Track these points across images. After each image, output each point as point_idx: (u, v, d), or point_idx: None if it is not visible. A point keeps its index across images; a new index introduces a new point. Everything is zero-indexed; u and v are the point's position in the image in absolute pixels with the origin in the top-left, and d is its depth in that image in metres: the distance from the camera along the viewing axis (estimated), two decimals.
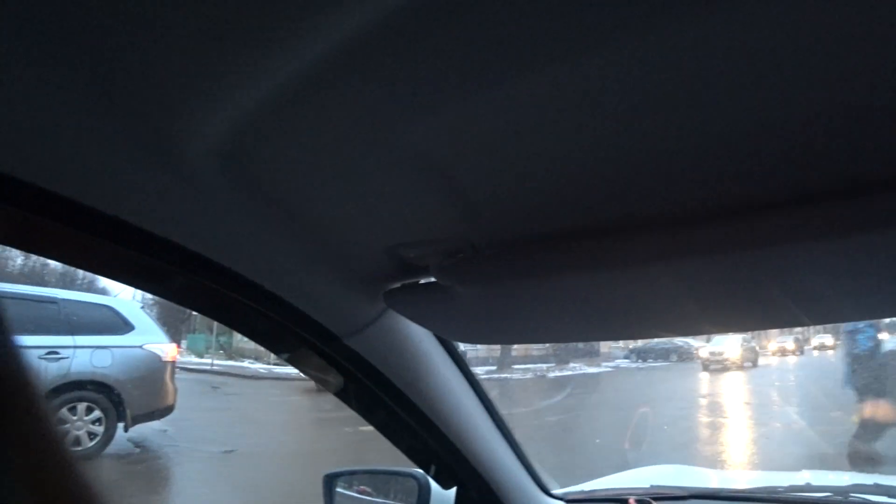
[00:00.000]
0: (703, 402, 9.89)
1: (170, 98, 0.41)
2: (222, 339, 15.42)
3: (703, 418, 8.28)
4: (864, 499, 1.12)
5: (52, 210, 0.49)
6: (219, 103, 0.41)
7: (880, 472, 1.29)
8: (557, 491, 1.32)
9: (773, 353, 16.08)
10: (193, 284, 0.64)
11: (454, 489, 1.14)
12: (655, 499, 1.22)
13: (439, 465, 1.10)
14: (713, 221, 0.49)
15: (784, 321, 0.79)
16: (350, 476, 1.34)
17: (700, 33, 0.34)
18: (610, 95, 0.40)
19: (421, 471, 1.15)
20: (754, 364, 13.61)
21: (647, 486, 1.40)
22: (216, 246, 0.62)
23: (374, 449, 1.43)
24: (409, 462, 1.13)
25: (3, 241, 0.62)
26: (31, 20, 0.34)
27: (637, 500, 1.21)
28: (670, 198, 0.50)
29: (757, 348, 14.64)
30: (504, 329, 0.86)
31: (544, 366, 15.84)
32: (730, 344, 13.16)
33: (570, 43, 0.35)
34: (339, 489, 1.29)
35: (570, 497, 1.31)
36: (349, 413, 0.95)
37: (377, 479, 1.35)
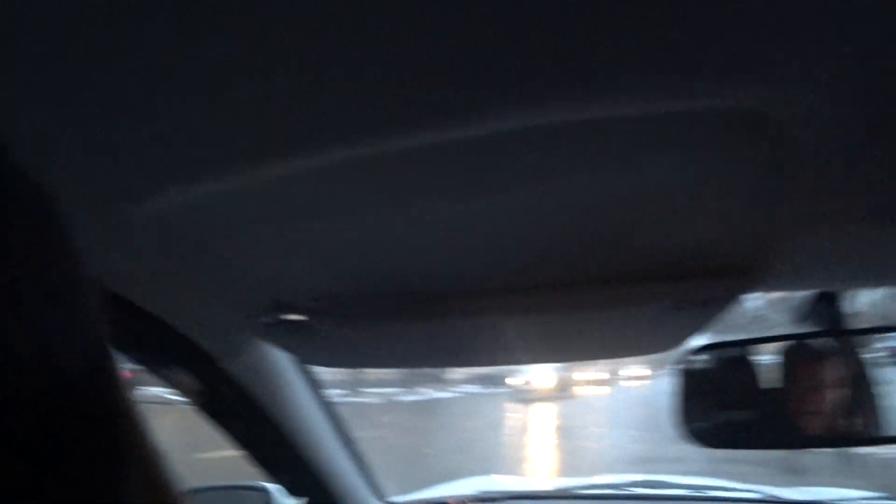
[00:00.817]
0: (528, 422, 10.84)
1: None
2: None
3: (528, 437, 9.10)
4: (637, 492, 1.43)
5: None
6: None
7: (652, 472, 1.61)
8: (393, 498, 1.45)
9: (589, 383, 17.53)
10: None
11: (303, 500, 1.22)
12: (479, 500, 1.39)
13: (290, 478, 1.17)
14: (508, 295, 0.69)
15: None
16: (193, 494, 1.33)
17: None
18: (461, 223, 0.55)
19: (268, 484, 1.21)
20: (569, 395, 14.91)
21: (474, 492, 1.58)
22: (113, 275, 0.66)
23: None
24: (251, 477, 1.19)
25: None
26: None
27: (459, 503, 1.37)
28: (486, 279, 0.68)
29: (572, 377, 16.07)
30: (361, 358, 0.98)
31: (393, 390, 15.94)
32: (542, 374, 14.35)
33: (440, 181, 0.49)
34: None
35: (405, 503, 1.44)
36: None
37: (219, 497, 1.36)
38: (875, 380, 0.77)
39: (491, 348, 0.87)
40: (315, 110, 0.40)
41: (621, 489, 1.47)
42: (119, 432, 0.22)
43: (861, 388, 0.78)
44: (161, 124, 0.42)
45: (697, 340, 0.79)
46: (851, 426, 0.77)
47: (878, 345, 0.77)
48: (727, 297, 0.65)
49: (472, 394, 15.23)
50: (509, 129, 0.41)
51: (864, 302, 0.81)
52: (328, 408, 1.24)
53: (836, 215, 0.51)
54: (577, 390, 15.76)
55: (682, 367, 0.75)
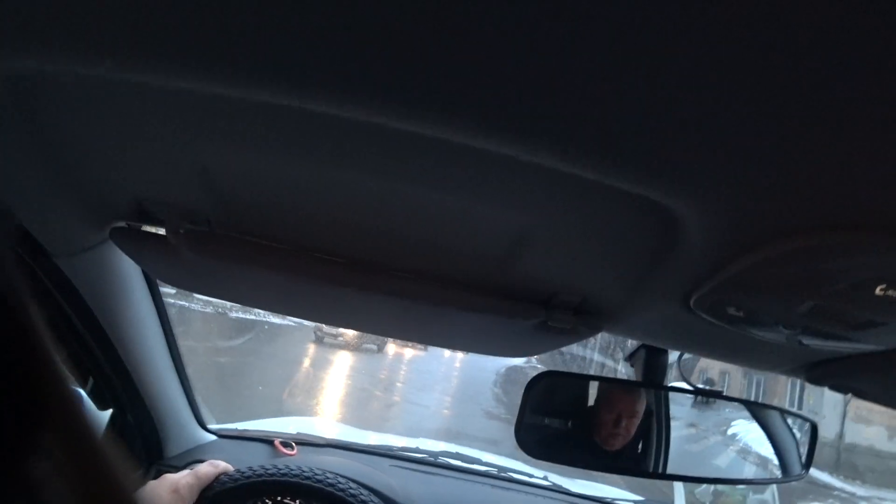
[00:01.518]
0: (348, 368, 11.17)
1: None
2: None
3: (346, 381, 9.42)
4: (446, 461, 1.55)
5: None
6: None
7: (463, 445, 1.75)
8: (213, 426, 1.41)
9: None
10: None
11: (109, 411, 1.14)
12: (299, 443, 1.41)
13: (101, 385, 1.09)
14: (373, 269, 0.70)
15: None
16: None
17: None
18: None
19: (76, 388, 1.12)
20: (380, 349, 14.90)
21: (294, 432, 1.60)
22: None
23: None
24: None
25: None
26: None
27: (282, 443, 1.38)
28: (357, 249, 0.69)
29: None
30: (219, 289, 0.93)
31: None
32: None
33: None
34: None
35: (224, 433, 1.42)
36: None
37: None
38: (670, 426, 0.91)
39: (349, 312, 0.88)
40: (213, 27, 0.35)
41: (437, 457, 1.57)
42: (37, 379, 0.21)
43: (658, 430, 0.92)
44: None
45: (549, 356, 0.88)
46: (642, 458, 0.91)
47: (681, 397, 0.92)
48: (583, 331, 0.74)
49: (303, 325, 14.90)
50: (443, 139, 0.41)
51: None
52: (164, 325, 1.17)
53: (675, 297, 0.59)
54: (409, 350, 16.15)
55: (527, 387, 0.84)
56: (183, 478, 0.89)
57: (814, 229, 0.40)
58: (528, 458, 0.89)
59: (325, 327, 13.27)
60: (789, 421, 0.99)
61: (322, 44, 0.34)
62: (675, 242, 0.47)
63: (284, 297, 0.88)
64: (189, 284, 0.92)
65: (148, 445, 1.23)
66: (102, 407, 1.12)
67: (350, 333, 13.53)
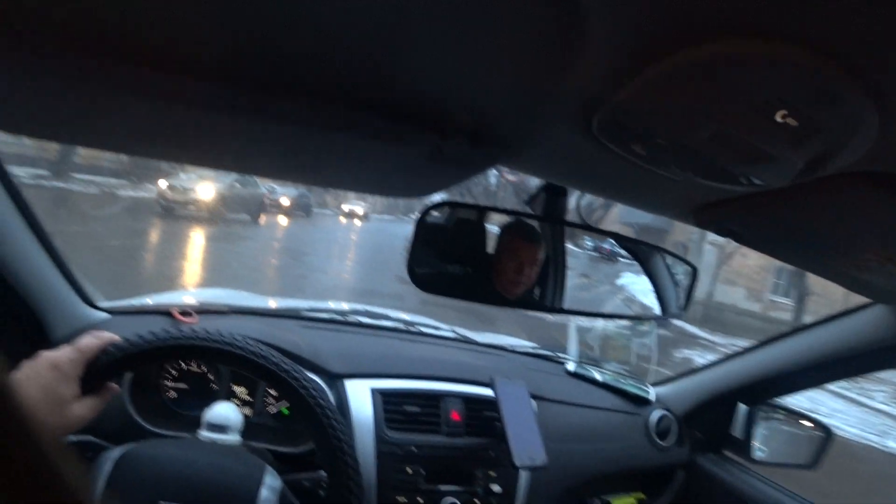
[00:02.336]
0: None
1: None
2: None
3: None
4: (354, 319, 1.58)
5: None
6: None
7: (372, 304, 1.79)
8: (104, 304, 1.32)
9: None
10: None
11: None
12: (199, 312, 1.36)
13: None
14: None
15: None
16: None
17: None
18: None
19: None
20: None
21: (195, 303, 1.54)
22: None
23: None
24: None
25: None
26: None
27: (181, 312, 1.33)
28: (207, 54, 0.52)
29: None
30: (55, 126, 0.75)
31: (115, 181, 14.00)
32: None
33: None
34: None
35: (116, 309, 1.34)
36: None
37: None
38: (567, 265, 0.95)
39: (224, 148, 0.74)
40: None
41: (345, 316, 1.60)
42: None
43: (555, 269, 0.96)
44: None
45: (440, 195, 0.86)
46: (539, 295, 0.95)
47: (576, 250, 0.95)
48: (480, 162, 0.69)
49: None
50: None
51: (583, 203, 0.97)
52: (18, 203, 1.03)
53: (576, 119, 0.57)
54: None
55: (419, 216, 0.81)
56: (63, 353, 0.80)
57: (720, 36, 0.38)
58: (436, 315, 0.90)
59: (169, 193, 12.15)
60: (671, 263, 1.07)
61: None
62: (576, 45, 0.44)
63: (110, 125, 0.69)
64: (20, 125, 0.73)
65: (27, 329, 1.14)
66: None
67: (204, 198, 12.40)
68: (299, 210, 15.62)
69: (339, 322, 1.56)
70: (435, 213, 0.84)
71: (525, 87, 0.55)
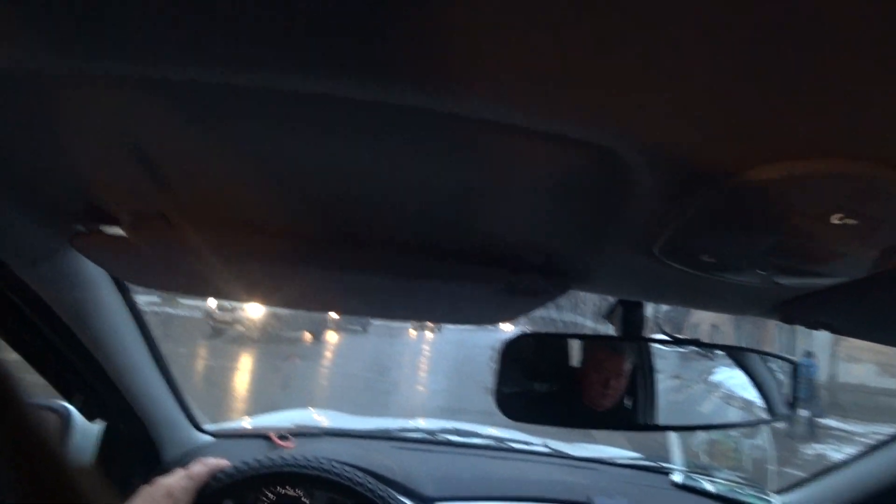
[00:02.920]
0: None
1: None
2: None
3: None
4: (444, 438, 1.57)
5: None
6: None
7: (458, 420, 1.77)
8: (208, 426, 1.41)
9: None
10: None
11: (100, 423, 1.14)
12: (295, 435, 1.42)
13: (88, 398, 1.08)
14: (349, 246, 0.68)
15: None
16: None
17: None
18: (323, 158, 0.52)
19: (62, 402, 1.11)
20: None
21: (291, 425, 1.60)
22: None
23: None
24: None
25: None
26: None
27: (278, 436, 1.38)
28: (327, 227, 0.67)
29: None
30: (185, 284, 0.92)
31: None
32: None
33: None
34: None
35: (220, 433, 1.42)
36: None
37: None
38: (655, 379, 0.92)
39: (321, 294, 0.86)
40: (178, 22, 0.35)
41: (435, 435, 1.59)
42: None
43: (643, 378, 0.93)
44: None
45: (520, 323, 0.88)
46: (631, 408, 0.92)
47: (663, 350, 0.93)
48: (552, 291, 0.73)
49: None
50: (372, 100, 0.40)
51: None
52: (141, 327, 1.16)
53: (639, 245, 0.59)
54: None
55: (502, 348, 0.84)
56: (177, 481, 0.89)
57: (762, 163, 0.40)
58: (528, 427, 0.89)
59: (218, 313, 11.83)
60: (771, 364, 1.01)
61: (250, 16, 0.33)
62: (627, 188, 0.47)
63: (244, 284, 0.85)
64: (154, 282, 0.90)
65: (143, 453, 1.23)
66: (92, 419, 1.12)
67: (253, 317, 11.93)
68: (355, 325, 15.21)
69: (430, 441, 1.56)
70: (513, 343, 0.86)
71: (587, 225, 0.59)
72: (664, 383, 0.93)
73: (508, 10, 0.31)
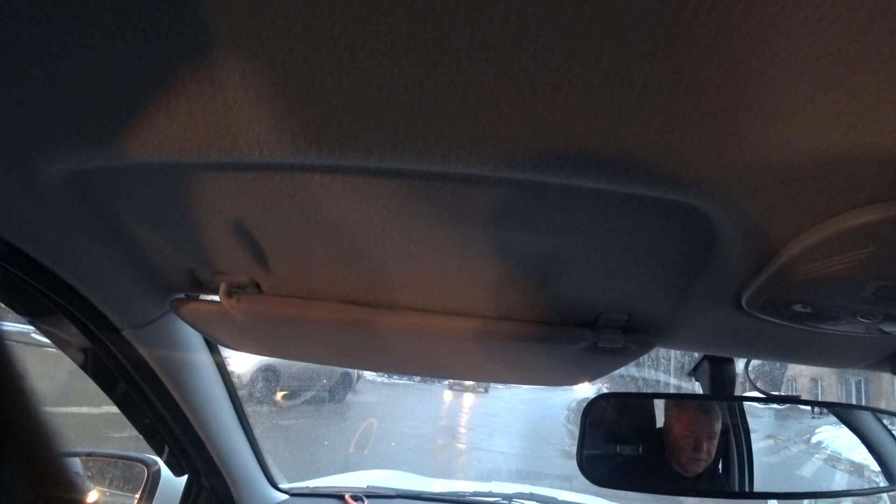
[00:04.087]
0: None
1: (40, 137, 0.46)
2: None
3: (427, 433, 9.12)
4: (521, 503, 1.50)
5: None
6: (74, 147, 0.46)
7: (540, 485, 1.69)
8: (284, 485, 1.43)
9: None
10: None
11: (185, 477, 1.17)
12: (368, 496, 1.40)
13: (176, 453, 1.12)
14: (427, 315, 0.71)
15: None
16: (68, 457, 1.25)
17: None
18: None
19: (152, 456, 1.16)
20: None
21: (365, 486, 1.59)
22: (24, 235, 0.63)
23: None
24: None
25: None
26: None
27: (352, 497, 1.38)
28: (414, 297, 0.70)
29: None
30: (275, 347, 0.97)
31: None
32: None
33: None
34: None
35: (295, 491, 1.43)
36: None
37: (101, 463, 1.29)
38: (749, 440, 0.85)
39: (405, 359, 0.88)
40: (251, 115, 0.39)
41: (511, 500, 1.52)
42: None
43: (736, 439, 0.86)
44: (85, 92, 0.40)
45: (602, 382, 0.85)
46: (724, 471, 0.85)
47: (757, 408, 0.86)
48: (635, 350, 0.72)
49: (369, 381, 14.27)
50: (468, 175, 0.42)
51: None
52: (229, 389, 1.21)
53: (726, 299, 0.57)
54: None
55: (585, 408, 0.81)
56: None
57: (856, 207, 0.38)
58: (610, 493, 0.84)
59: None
60: (886, 421, 0.91)
61: (355, 104, 0.37)
62: (712, 244, 0.47)
63: (333, 349, 0.89)
64: (246, 346, 0.95)
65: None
66: (178, 473, 1.16)
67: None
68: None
69: None
70: (596, 404, 0.83)
71: (672, 281, 0.58)
72: (759, 444, 0.86)
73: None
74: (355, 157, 0.41)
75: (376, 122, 0.38)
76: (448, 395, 13.16)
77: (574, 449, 0.81)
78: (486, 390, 13.72)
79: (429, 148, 0.39)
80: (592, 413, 0.80)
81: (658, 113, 0.34)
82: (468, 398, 13.34)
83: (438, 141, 0.39)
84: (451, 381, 13.38)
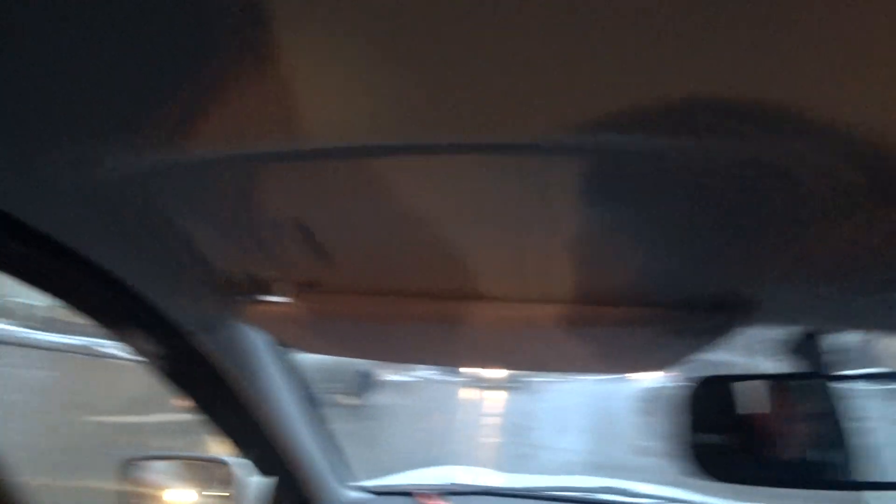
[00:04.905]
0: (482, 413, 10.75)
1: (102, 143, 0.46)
2: None
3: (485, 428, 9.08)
4: (605, 499, 1.45)
5: None
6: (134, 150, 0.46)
7: (621, 478, 1.63)
8: (361, 483, 1.43)
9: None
10: (70, 280, 0.69)
11: (268, 477, 1.19)
12: (451, 493, 1.39)
13: (257, 455, 1.15)
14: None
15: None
16: (150, 461, 1.30)
17: None
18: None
19: (235, 458, 1.18)
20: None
21: (440, 482, 1.58)
22: (89, 240, 0.64)
23: None
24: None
25: None
26: None
27: (428, 494, 1.36)
28: (483, 285, 0.67)
29: None
30: (345, 347, 0.96)
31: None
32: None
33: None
34: (138, 475, 1.25)
35: (372, 489, 1.43)
36: None
37: (182, 466, 1.33)
38: (858, 425, 0.77)
39: (480, 353, 0.86)
40: (315, 97, 0.38)
41: (589, 493, 1.48)
42: None
43: (834, 423, 0.78)
44: (140, 88, 0.40)
45: (691, 366, 0.79)
46: (841, 471, 0.76)
47: (869, 388, 0.77)
48: (723, 329, 0.66)
49: (428, 378, 14.37)
50: (526, 145, 0.40)
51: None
52: (302, 388, 1.22)
53: (825, 269, 0.53)
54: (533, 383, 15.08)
55: (676, 395, 0.75)
56: None
57: None
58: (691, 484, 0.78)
59: None
60: None
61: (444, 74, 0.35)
62: (808, 208, 0.43)
63: (408, 347, 0.88)
64: (315, 347, 0.95)
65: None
66: (261, 473, 1.18)
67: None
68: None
69: (585, 501, 1.44)
70: (689, 389, 0.77)
71: (764, 252, 0.53)
72: (879, 430, 0.78)
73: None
74: (438, 135, 0.39)
75: (477, 92, 0.35)
76: (479, 392, 12.91)
77: (648, 444, 0.75)
78: (521, 385, 13.34)
79: (536, 114, 0.36)
80: (683, 400, 0.74)
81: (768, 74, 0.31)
82: (504, 395, 12.98)
83: (550, 105, 0.36)
84: (478, 376, 13.29)
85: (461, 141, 0.40)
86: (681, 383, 0.76)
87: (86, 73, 0.39)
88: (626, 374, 0.96)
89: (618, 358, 0.80)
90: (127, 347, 0.88)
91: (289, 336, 0.92)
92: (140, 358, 0.90)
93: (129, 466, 1.22)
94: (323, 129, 0.40)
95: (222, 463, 1.21)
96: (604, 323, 0.66)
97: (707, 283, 0.61)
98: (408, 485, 1.53)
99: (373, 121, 0.39)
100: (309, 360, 1.11)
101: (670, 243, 0.54)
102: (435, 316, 0.70)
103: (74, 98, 0.41)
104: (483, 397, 12.67)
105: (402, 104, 0.37)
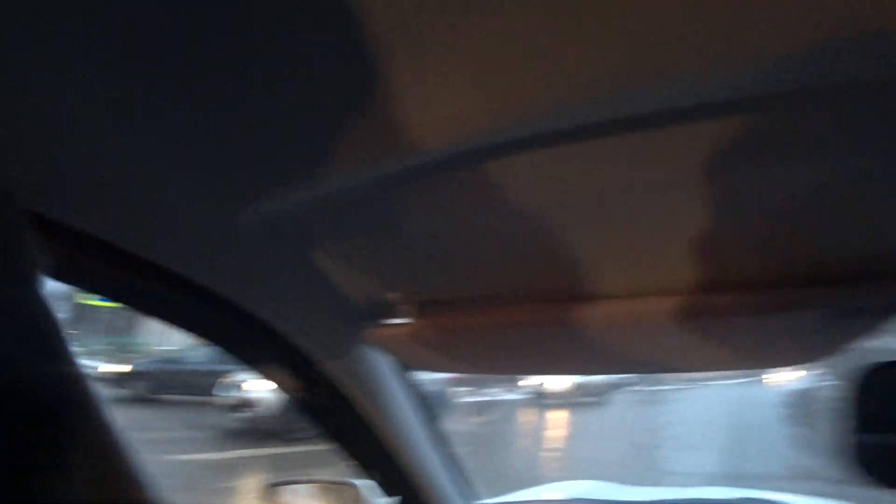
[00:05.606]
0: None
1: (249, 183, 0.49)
2: None
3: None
4: None
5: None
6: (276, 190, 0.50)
7: (764, 489, 1.50)
8: (485, 500, 1.42)
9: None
10: (204, 315, 0.74)
11: (396, 498, 1.22)
12: None
13: (383, 476, 1.18)
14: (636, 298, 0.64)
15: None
16: (290, 486, 1.37)
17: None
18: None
19: (363, 480, 1.22)
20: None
21: (565, 497, 1.53)
22: (223, 278, 0.69)
23: None
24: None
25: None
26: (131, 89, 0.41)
27: None
28: (608, 284, 0.64)
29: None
30: (468, 364, 0.97)
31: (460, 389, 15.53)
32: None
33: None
34: (279, 498, 1.32)
35: None
36: None
37: (316, 490, 1.39)
38: None
39: (608, 356, 0.82)
40: (424, 115, 0.39)
41: None
42: (68, 424, 0.23)
43: None
44: (270, 128, 0.42)
45: (846, 357, 0.70)
46: None
47: None
48: (888, 305, 0.57)
49: (503, 399, 13.19)
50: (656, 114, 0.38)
51: None
52: (425, 409, 1.24)
53: None
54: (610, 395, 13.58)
55: (848, 386, 0.66)
56: None
57: None
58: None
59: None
60: None
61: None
62: None
63: (522, 355, 0.86)
64: (439, 365, 0.96)
65: None
66: (390, 494, 1.21)
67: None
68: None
69: None
70: (863, 379, 0.68)
71: None
72: None
73: None
74: (560, 119, 0.39)
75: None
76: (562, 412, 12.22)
77: (796, 455, 0.66)
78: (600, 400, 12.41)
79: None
80: (858, 391, 0.64)
81: None
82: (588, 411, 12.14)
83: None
84: (548, 393, 12.64)
85: (585, 121, 0.39)
86: (837, 378, 0.68)
87: (231, 122, 0.42)
88: (764, 371, 0.87)
89: (763, 349, 0.74)
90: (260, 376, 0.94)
91: (412, 356, 0.93)
92: (280, 386, 0.96)
93: (269, 490, 1.30)
94: (442, 135, 0.41)
95: (351, 486, 1.25)
96: (740, 312, 0.60)
97: (880, 251, 0.54)
98: (532, 500, 1.50)
99: (491, 117, 0.39)
100: None
101: (828, 209, 0.48)
102: (556, 320, 0.68)
103: (225, 148, 0.45)
104: (566, 414, 12.01)
105: (522, 94, 0.37)
